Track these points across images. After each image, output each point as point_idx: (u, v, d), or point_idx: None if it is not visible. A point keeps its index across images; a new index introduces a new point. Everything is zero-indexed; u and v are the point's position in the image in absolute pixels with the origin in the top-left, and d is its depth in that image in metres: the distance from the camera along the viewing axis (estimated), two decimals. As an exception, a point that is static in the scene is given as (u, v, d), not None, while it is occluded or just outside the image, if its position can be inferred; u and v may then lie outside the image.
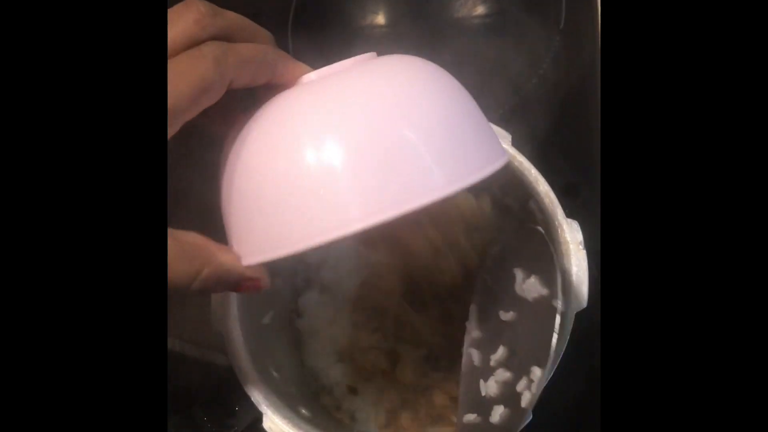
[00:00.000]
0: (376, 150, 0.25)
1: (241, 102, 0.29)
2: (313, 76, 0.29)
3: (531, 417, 0.33)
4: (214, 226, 0.29)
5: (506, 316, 0.35)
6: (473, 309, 0.40)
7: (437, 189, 0.25)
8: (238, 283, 0.28)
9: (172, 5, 0.26)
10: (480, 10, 0.57)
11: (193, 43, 0.26)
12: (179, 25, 0.26)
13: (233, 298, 0.39)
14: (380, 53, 0.30)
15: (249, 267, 0.28)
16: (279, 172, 0.26)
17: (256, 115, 0.28)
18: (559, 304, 0.32)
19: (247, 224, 0.27)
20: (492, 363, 0.35)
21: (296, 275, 0.48)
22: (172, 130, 0.25)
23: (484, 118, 0.30)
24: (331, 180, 0.25)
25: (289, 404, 0.37)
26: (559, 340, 0.32)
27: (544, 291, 0.33)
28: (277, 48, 0.29)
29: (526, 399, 0.31)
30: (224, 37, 0.27)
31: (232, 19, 0.28)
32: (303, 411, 0.39)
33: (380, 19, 0.58)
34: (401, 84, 0.27)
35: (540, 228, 0.35)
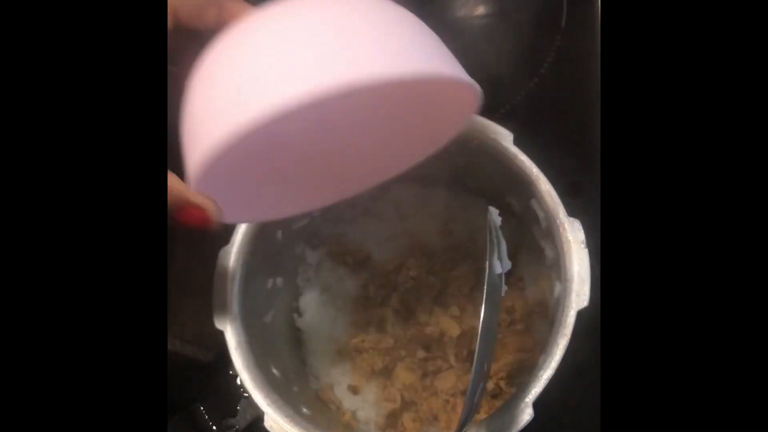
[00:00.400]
0: (317, 27, 0.25)
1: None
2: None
3: (532, 416, 0.33)
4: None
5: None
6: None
7: (390, 68, 0.25)
8: (183, 207, 0.28)
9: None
10: (480, 10, 0.57)
11: None
12: None
13: (234, 297, 0.39)
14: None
15: (196, 195, 0.28)
16: (214, 72, 0.26)
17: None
18: (487, 264, 0.33)
19: (190, 141, 0.27)
20: None
21: (297, 274, 0.48)
22: None
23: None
24: (266, 60, 0.24)
25: (290, 403, 0.37)
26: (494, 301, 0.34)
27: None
28: None
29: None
30: None
31: None
32: (304, 410, 0.39)
33: (381, 18, 0.58)
34: None
35: (489, 207, 0.35)
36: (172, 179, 0.28)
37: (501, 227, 0.35)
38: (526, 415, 0.33)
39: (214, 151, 0.25)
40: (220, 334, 0.38)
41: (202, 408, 0.40)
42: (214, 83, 0.26)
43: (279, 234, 0.43)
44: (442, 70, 0.27)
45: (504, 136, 0.39)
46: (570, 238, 0.36)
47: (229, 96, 0.25)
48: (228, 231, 0.39)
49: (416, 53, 0.26)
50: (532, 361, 0.42)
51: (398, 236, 0.48)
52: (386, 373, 0.45)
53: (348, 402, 0.45)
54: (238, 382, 0.38)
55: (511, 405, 0.34)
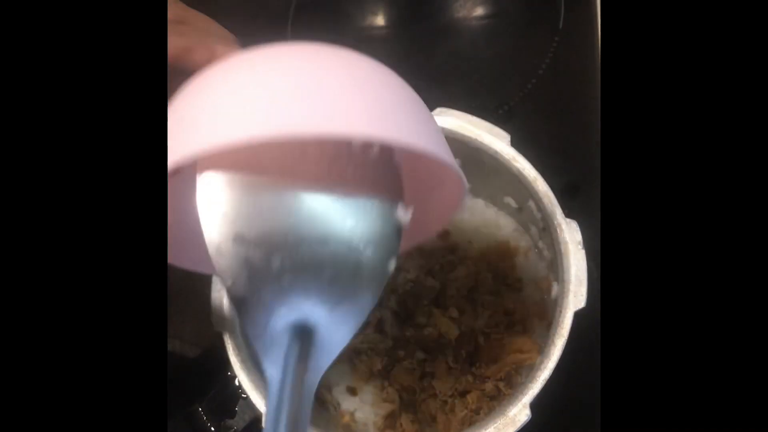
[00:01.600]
0: (295, 72, 0.23)
1: None
2: None
3: (529, 417, 0.33)
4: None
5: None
6: None
7: (358, 125, 0.22)
8: None
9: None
10: (479, 11, 0.57)
11: None
12: None
13: (233, 298, 0.39)
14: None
15: None
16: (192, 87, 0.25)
17: None
18: None
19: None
20: None
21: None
22: None
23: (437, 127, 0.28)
24: (238, 88, 0.23)
25: (288, 404, 0.37)
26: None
27: None
28: (226, 40, 0.30)
29: None
30: (178, 20, 0.29)
31: (190, 12, 0.30)
32: (302, 411, 0.39)
33: (379, 19, 0.59)
34: (346, 51, 0.25)
35: None
36: None
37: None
38: (523, 416, 0.33)
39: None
40: (219, 336, 0.38)
41: (200, 409, 0.40)
42: (176, 108, 0.24)
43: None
44: (411, 141, 0.23)
45: (502, 137, 0.39)
46: (567, 239, 0.37)
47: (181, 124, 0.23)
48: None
49: (394, 119, 0.23)
50: (531, 362, 0.42)
51: (397, 237, 0.48)
52: (385, 374, 0.45)
53: (346, 403, 0.45)
54: (237, 383, 0.38)
55: (508, 406, 0.34)
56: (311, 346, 0.25)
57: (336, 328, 0.26)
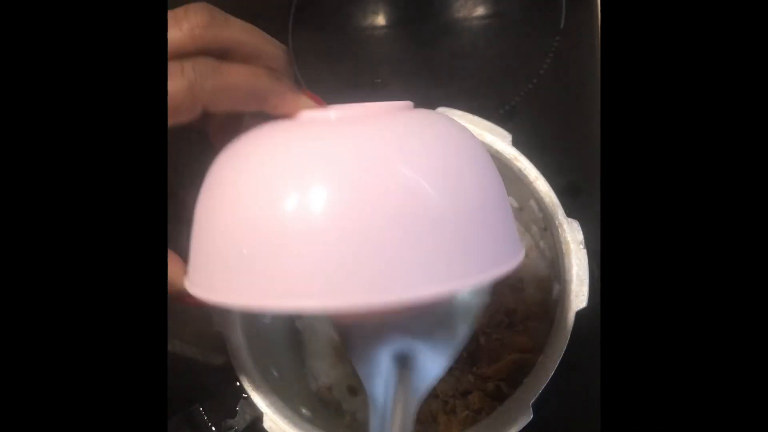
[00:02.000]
0: (376, 221, 0.21)
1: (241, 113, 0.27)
2: (316, 114, 0.26)
3: (531, 416, 0.33)
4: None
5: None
6: None
7: (446, 281, 0.21)
8: (180, 297, 0.26)
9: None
10: (480, 10, 0.57)
11: (181, 54, 0.24)
12: (173, 32, 0.24)
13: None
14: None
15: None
16: (249, 216, 0.22)
17: (246, 141, 0.25)
18: None
19: (204, 254, 0.24)
20: None
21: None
22: None
23: (507, 200, 0.26)
24: (308, 242, 0.21)
25: (289, 404, 0.37)
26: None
27: None
28: (278, 74, 0.26)
29: None
30: (220, 51, 0.25)
31: (234, 32, 0.26)
32: (303, 411, 0.39)
33: (380, 19, 0.58)
34: (432, 153, 0.23)
35: None
36: (171, 266, 0.26)
37: None
38: (525, 415, 0.33)
39: (210, 300, 0.23)
40: (219, 336, 0.38)
41: (201, 409, 0.40)
42: (257, 228, 0.22)
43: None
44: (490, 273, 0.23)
45: (503, 137, 0.39)
46: (569, 238, 0.36)
47: (275, 263, 0.22)
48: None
49: (467, 258, 0.22)
50: (532, 362, 0.42)
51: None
52: (386, 374, 0.45)
53: (347, 403, 0.45)
54: (237, 383, 0.38)
55: (510, 406, 0.34)
56: (409, 371, 0.27)
57: (433, 357, 0.27)
